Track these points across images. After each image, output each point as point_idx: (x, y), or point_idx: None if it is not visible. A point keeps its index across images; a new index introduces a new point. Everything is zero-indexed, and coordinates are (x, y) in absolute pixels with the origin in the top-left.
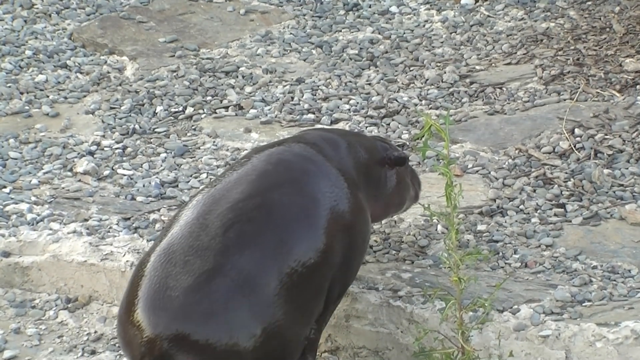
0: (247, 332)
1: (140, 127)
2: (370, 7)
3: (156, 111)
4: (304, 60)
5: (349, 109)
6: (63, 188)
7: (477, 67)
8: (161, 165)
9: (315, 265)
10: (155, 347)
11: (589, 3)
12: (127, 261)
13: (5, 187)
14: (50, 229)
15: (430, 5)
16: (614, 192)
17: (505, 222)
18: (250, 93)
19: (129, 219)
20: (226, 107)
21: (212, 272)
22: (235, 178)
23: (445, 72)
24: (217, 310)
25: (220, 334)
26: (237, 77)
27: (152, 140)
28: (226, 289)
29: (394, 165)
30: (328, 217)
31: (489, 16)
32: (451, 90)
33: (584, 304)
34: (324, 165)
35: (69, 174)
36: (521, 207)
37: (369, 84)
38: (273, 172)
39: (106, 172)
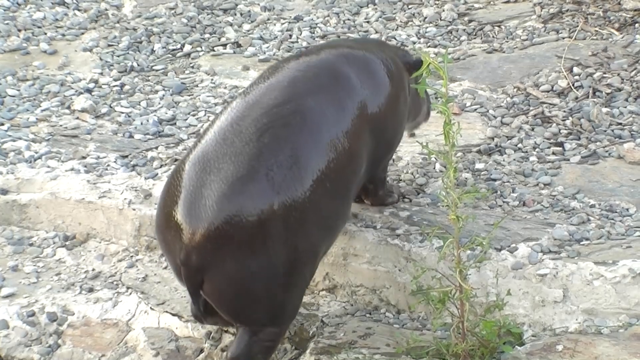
0: (281, 237)
1: (138, 65)
2: None
3: (154, 49)
4: None
5: None
6: (61, 126)
7: (476, 5)
8: (159, 103)
9: (348, 168)
10: (193, 255)
11: None
12: (125, 199)
13: (3, 124)
14: (48, 167)
15: None
16: (612, 130)
17: (504, 160)
18: (248, 31)
19: (127, 156)
20: (224, 45)
21: (246, 178)
22: (267, 85)
23: (443, 10)
24: (252, 216)
25: (256, 239)
26: (235, 14)
27: (150, 77)
28: (261, 194)
29: (415, 70)
30: (359, 121)
31: None
32: (449, 28)
33: (582, 243)
34: (356, 68)
35: (67, 111)
36: (519, 145)
37: (368, 22)
38: (304, 79)
39: (104, 110)
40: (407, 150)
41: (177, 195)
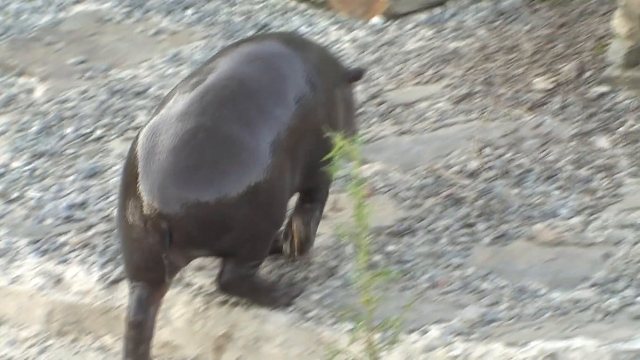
0: (234, 185)
1: (49, 149)
2: (279, 27)
3: (65, 133)
4: None
5: None
6: None
7: (387, 87)
8: (70, 187)
9: (291, 128)
10: (154, 210)
11: (498, 22)
12: (35, 284)
13: None
14: None
15: (340, 25)
16: (523, 211)
17: (415, 242)
18: None
19: (37, 241)
20: (136, 129)
21: (195, 130)
22: (209, 68)
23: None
24: (204, 164)
25: (210, 187)
26: (147, 98)
27: (61, 162)
28: (211, 143)
29: (353, 80)
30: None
31: (398, 36)
32: (361, 110)
33: (493, 324)
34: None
35: None
36: (431, 227)
37: None
38: (245, 57)
39: (15, 195)
40: (319, 232)
41: (135, 162)
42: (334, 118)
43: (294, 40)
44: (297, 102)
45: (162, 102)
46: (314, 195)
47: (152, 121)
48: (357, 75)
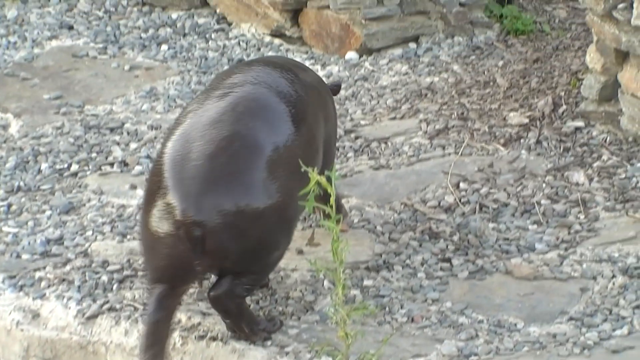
0: (267, 196)
1: (25, 185)
2: None
3: (41, 168)
4: None
5: None
6: None
7: (362, 122)
8: (46, 223)
9: (313, 135)
10: (189, 217)
11: (473, 57)
12: (12, 319)
13: None
14: None
15: (315, 61)
16: (500, 245)
17: (392, 277)
18: (135, 149)
19: (14, 277)
20: (111, 164)
21: (231, 138)
22: (231, 82)
23: None
24: (241, 173)
25: (245, 195)
26: (122, 133)
27: (37, 197)
28: (247, 152)
29: (335, 94)
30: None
31: (373, 71)
32: (336, 145)
33: (471, 358)
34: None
35: None
36: (407, 261)
37: None
38: (265, 73)
39: None
40: (297, 266)
41: (166, 168)
42: (333, 133)
43: (294, 62)
44: (314, 116)
45: (183, 113)
46: None
47: (181, 128)
48: (336, 89)
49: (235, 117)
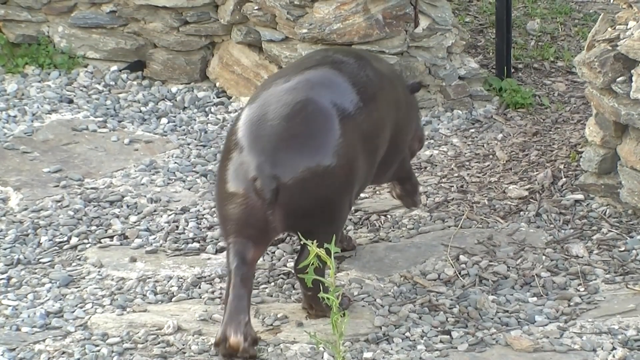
0: (334, 157)
1: (25, 258)
2: None
3: (41, 241)
4: (189, 189)
5: None
6: None
7: (362, 195)
8: (46, 296)
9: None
10: (265, 170)
11: (472, 130)
12: None
13: None
14: None
15: None
16: (499, 318)
17: (392, 349)
18: (135, 222)
19: (14, 349)
20: (111, 237)
21: (305, 102)
22: (305, 62)
23: None
24: (313, 134)
25: (316, 154)
26: (122, 206)
27: (36, 270)
28: (319, 116)
29: (413, 92)
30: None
31: None
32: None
33: None
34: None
35: None
36: (407, 334)
37: None
38: (335, 60)
39: None
40: (295, 340)
41: (244, 127)
42: (407, 126)
43: (373, 54)
44: (383, 100)
45: (262, 84)
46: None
47: (259, 95)
48: (416, 87)
49: (309, 85)
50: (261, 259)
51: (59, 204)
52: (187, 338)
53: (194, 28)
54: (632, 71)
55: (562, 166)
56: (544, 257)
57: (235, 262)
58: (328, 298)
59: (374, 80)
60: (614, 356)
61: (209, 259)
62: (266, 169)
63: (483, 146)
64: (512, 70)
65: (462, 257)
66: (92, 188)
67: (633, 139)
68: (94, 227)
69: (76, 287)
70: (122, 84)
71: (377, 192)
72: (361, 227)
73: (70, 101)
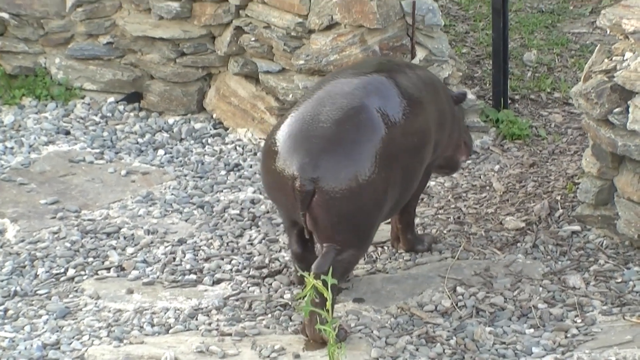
0: (376, 167)
1: (22, 289)
2: (251, 167)
3: (37, 273)
4: (186, 220)
5: (231, 269)
6: None
7: None
8: (43, 327)
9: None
10: (308, 168)
11: (469, 162)
12: None
13: None
14: None
15: None
16: (496, 349)
17: None
18: (132, 254)
19: None
20: (108, 269)
21: (359, 109)
22: (353, 71)
23: None
24: (362, 141)
25: (361, 162)
26: (119, 238)
27: (33, 302)
28: (370, 124)
29: (458, 102)
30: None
31: None
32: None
33: None
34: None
35: None
36: None
37: (251, 244)
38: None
39: None
40: None
41: (296, 122)
42: (448, 132)
43: (418, 65)
44: (430, 110)
45: (317, 83)
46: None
47: (315, 93)
48: (461, 97)
49: (365, 92)
50: (258, 290)
51: (56, 235)
52: None
53: (190, 59)
54: (629, 102)
55: (559, 197)
56: (541, 288)
57: (294, 242)
58: (325, 330)
59: (423, 91)
60: None
61: (205, 290)
62: (308, 171)
63: (480, 177)
64: (509, 101)
65: (459, 289)
66: (89, 220)
67: (630, 170)
68: (90, 259)
69: (73, 319)
70: (119, 115)
71: None
72: None
73: (67, 133)
